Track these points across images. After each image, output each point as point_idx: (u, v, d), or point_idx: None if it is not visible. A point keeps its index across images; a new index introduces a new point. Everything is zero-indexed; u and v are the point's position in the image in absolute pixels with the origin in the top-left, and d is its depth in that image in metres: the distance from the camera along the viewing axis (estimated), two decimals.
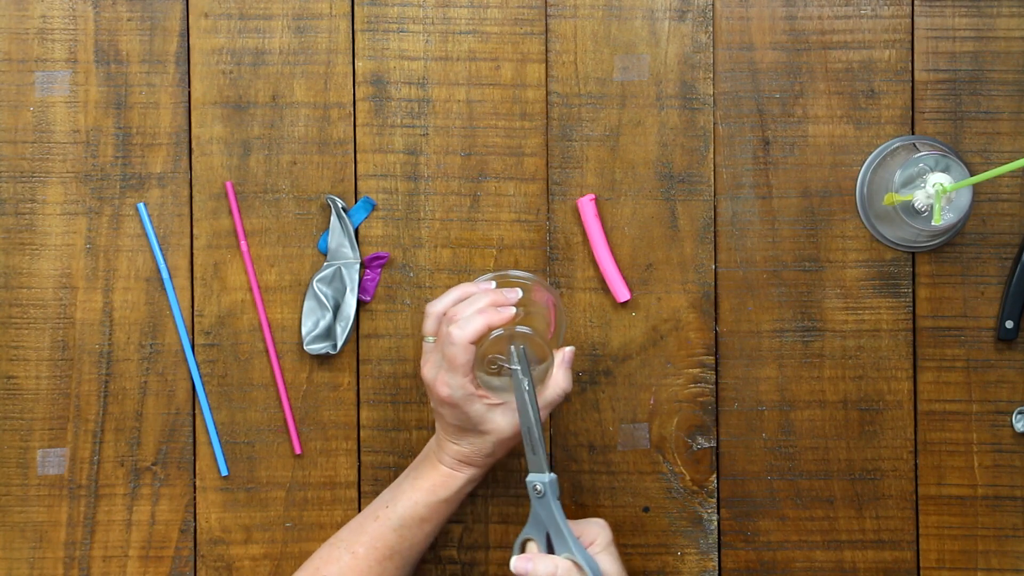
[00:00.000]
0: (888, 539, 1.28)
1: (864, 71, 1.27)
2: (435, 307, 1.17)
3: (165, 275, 1.27)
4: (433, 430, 1.27)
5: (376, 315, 1.28)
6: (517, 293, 1.16)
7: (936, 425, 1.28)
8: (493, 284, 1.18)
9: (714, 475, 1.28)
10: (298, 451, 1.28)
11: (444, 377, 1.14)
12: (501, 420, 1.15)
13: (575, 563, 1.12)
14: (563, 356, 1.17)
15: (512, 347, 1.14)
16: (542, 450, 1.14)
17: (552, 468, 1.28)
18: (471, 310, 1.14)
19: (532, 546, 1.15)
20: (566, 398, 1.18)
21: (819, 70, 1.27)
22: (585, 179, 1.28)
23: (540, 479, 1.14)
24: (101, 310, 1.27)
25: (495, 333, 1.13)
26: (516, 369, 1.13)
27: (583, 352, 1.27)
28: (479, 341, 1.13)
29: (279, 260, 1.28)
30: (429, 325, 1.17)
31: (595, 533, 1.16)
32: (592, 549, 1.15)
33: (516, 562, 1.12)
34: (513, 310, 1.14)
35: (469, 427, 1.15)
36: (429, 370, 1.15)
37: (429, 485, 1.17)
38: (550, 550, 1.14)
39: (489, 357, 1.14)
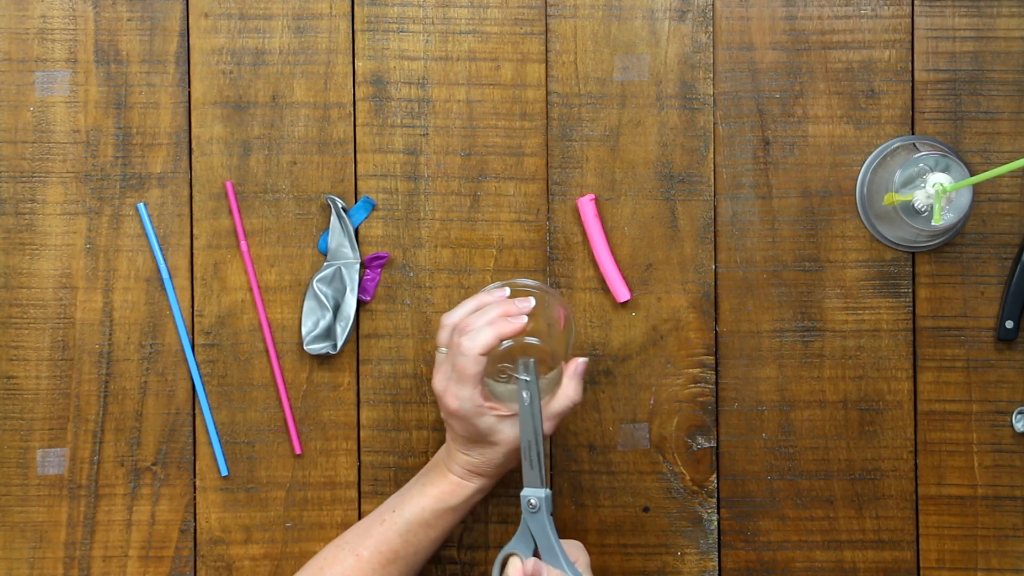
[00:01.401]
0: (888, 539, 1.28)
1: (864, 71, 1.27)
2: (450, 318, 1.16)
3: (165, 275, 1.27)
4: (434, 430, 1.27)
5: (376, 315, 1.28)
6: (530, 303, 1.15)
7: (936, 425, 1.28)
8: (507, 292, 1.17)
9: (714, 475, 1.28)
10: (298, 451, 1.28)
11: (454, 389, 1.13)
12: (511, 432, 1.15)
13: None
14: (575, 367, 1.17)
15: (520, 360, 1.14)
16: (540, 465, 1.14)
17: (551, 471, 1.28)
18: (482, 321, 1.13)
19: (515, 561, 1.13)
20: (575, 408, 1.18)
21: (819, 70, 1.27)
22: (585, 179, 1.28)
23: (536, 494, 1.14)
24: (101, 310, 1.27)
25: (505, 344, 1.13)
26: (524, 380, 1.13)
27: (583, 352, 1.27)
28: (489, 352, 1.12)
29: (279, 260, 1.28)
30: (443, 336, 1.16)
31: (576, 555, 1.15)
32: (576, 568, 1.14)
33: (530, 567, 1.12)
34: (524, 320, 1.14)
35: (478, 438, 1.15)
36: (439, 381, 1.15)
37: (437, 492, 1.17)
38: None
39: (499, 366, 1.14)
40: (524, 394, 1.13)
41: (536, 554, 1.14)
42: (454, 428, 1.16)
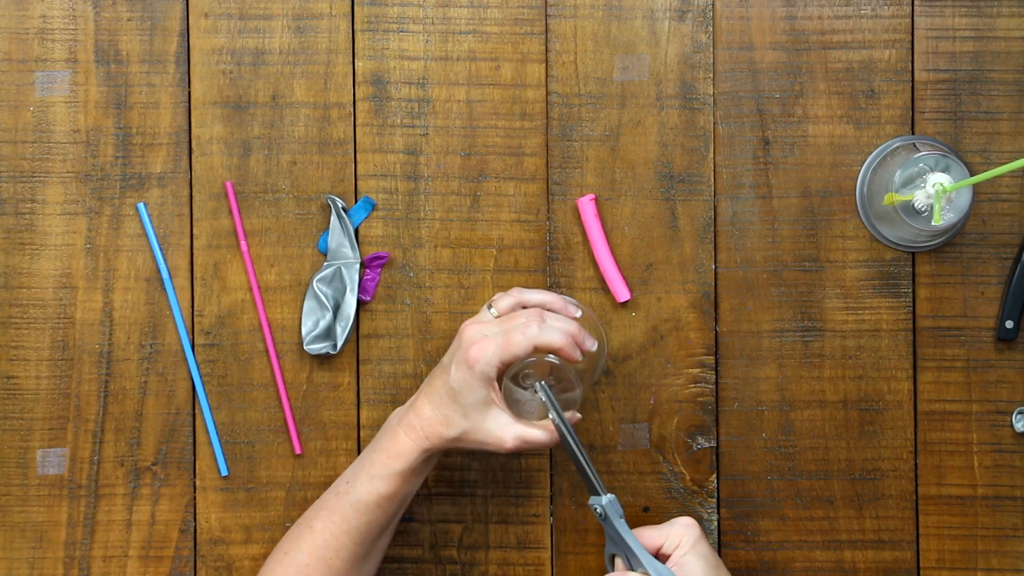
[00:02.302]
0: (888, 539, 1.28)
1: (864, 71, 1.27)
2: (525, 295, 1.18)
3: (165, 275, 1.27)
4: None
5: (376, 315, 1.28)
6: (593, 345, 1.17)
7: (936, 425, 1.28)
8: (580, 313, 1.19)
9: (714, 475, 1.28)
10: (298, 451, 1.28)
11: (487, 345, 1.13)
12: (486, 421, 1.14)
13: None
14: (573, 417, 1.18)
15: (539, 382, 1.16)
16: (590, 474, 1.14)
17: (551, 471, 1.28)
18: (560, 323, 1.15)
19: (619, 562, 1.14)
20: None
21: (819, 70, 1.27)
22: (585, 179, 1.28)
23: (599, 501, 1.14)
24: (101, 310, 1.27)
25: (552, 357, 1.14)
26: (549, 401, 1.15)
27: (584, 353, 1.27)
28: (541, 351, 1.13)
29: (279, 260, 1.28)
30: (506, 302, 1.17)
31: (679, 535, 1.14)
32: (678, 553, 1.13)
33: None
34: (580, 356, 1.16)
35: (459, 401, 1.14)
36: (476, 330, 1.15)
37: (384, 457, 1.16)
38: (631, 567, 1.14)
39: (524, 372, 1.15)
40: (552, 415, 1.15)
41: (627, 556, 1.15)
42: (448, 376, 1.14)
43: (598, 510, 1.14)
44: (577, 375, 1.16)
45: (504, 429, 1.14)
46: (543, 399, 1.15)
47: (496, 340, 1.13)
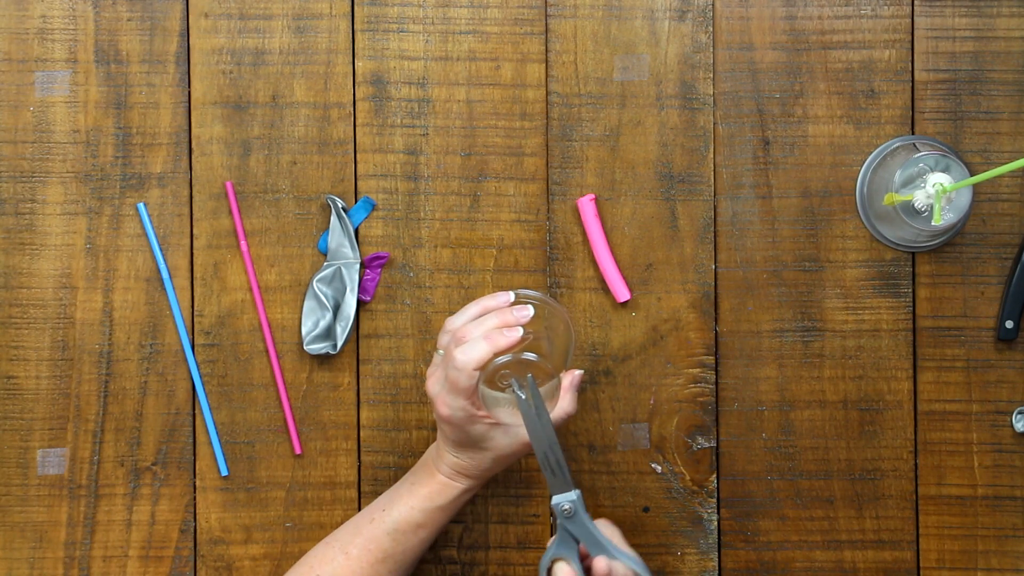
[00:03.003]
0: (888, 539, 1.28)
1: (864, 71, 1.27)
2: (453, 323, 1.14)
3: (165, 275, 1.27)
4: (435, 430, 1.27)
5: (376, 315, 1.28)
6: (527, 311, 1.13)
7: (936, 425, 1.28)
8: (511, 297, 1.15)
9: (714, 475, 1.28)
10: (298, 451, 1.28)
11: (446, 397, 1.12)
12: (502, 439, 1.15)
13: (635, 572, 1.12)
14: (571, 379, 1.16)
15: (515, 378, 1.12)
16: (563, 469, 1.13)
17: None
18: (478, 332, 1.11)
19: (562, 566, 1.12)
20: (570, 419, 1.17)
21: (819, 70, 1.27)
22: (585, 179, 1.28)
23: (567, 499, 1.13)
24: (101, 310, 1.27)
25: (502, 359, 1.10)
26: (522, 398, 1.11)
27: (583, 352, 1.27)
28: (484, 366, 1.11)
29: (279, 260, 1.28)
30: (443, 340, 1.14)
31: (611, 533, 1.15)
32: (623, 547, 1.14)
33: (604, 566, 1.12)
34: (519, 332, 1.12)
35: (469, 444, 1.15)
36: (433, 384, 1.14)
37: (426, 492, 1.17)
38: (586, 567, 1.13)
39: (499, 374, 1.13)
40: (528, 408, 1.11)
41: (582, 553, 1.14)
42: (445, 432, 1.15)
43: (567, 508, 1.13)
44: (532, 356, 1.11)
45: (521, 431, 1.14)
46: (519, 397, 1.13)
47: (446, 388, 1.13)
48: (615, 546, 1.13)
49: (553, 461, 1.12)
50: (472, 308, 1.15)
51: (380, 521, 1.17)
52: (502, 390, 1.14)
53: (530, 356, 1.11)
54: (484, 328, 1.12)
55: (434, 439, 1.27)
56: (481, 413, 1.13)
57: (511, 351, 1.11)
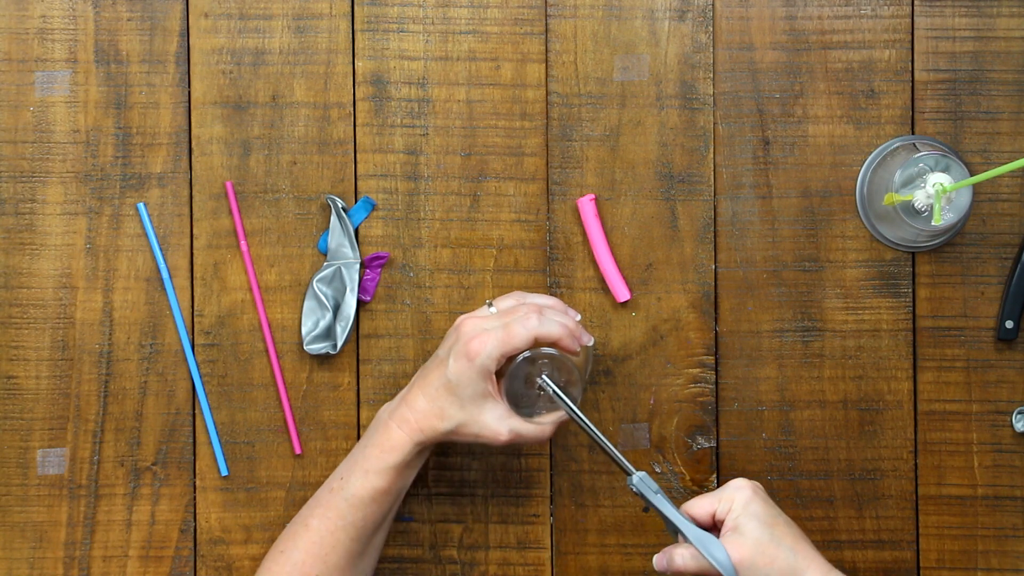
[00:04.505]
0: (888, 539, 1.28)
1: (864, 71, 1.27)
2: (528, 296, 1.19)
3: (165, 275, 1.27)
4: None
5: (376, 315, 1.28)
6: (591, 340, 1.18)
7: (936, 425, 1.28)
8: (579, 317, 1.20)
9: (714, 475, 1.28)
10: (298, 451, 1.28)
11: (487, 338, 1.13)
12: (482, 414, 1.15)
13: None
14: (558, 417, 1.18)
15: (547, 377, 1.16)
16: (616, 456, 1.15)
17: (551, 471, 1.28)
18: (557, 317, 1.16)
19: (680, 539, 1.13)
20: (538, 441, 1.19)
21: (819, 70, 1.27)
22: (585, 179, 1.28)
23: (630, 482, 1.14)
24: (101, 310, 1.27)
25: (560, 354, 1.15)
26: (565, 402, 1.16)
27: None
28: (541, 343, 1.14)
29: (279, 260, 1.28)
30: (507, 304, 1.18)
31: (729, 499, 1.12)
32: (730, 517, 1.11)
33: (656, 558, 1.13)
34: (590, 341, 1.18)
35: (456, 394, 1.14)
36: (476, 323, 1.15)
37: (377, 452, 1.17)
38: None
39: (524, 366, 1.15)
40: (566, 406, 1.16)
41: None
42: (445, 370, 1.15)
43: (633, 490, 1.14)
44: (577, 369, 1.16)
45: (500, 422, 1.15)
46: (551, 391, 1.16)
47: (496, 333, 1.14)
48: (685, 524, 1.11)
49: (610, 452, 1.15)
50: (549, 299, 1.20)
51: (338, 490, 1.17)
52: (523, 385, 1.17)
53: (575, 367, 1.16)
54: (559, 320, 1.16)
55: None
56: (492, 383, 1.14)
57: (568, 352, 1.16)
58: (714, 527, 1.13)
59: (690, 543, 1.11)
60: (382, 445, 1.17)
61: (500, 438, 1.15)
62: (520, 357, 1.15)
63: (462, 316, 1.18)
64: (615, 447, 1.17)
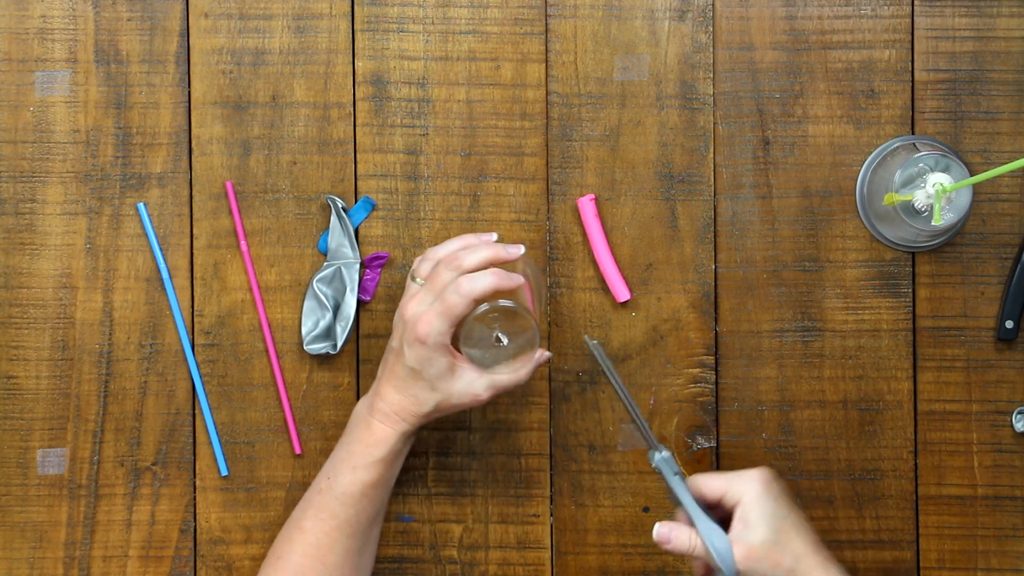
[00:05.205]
0: (888, 539, 1.28)
1: (864, 71, 1.27)
2: (437, 252, 1.16)
3: (165, 275, 1.27)
4: (434, 430, 1.27)
5: (376, 315, 1.28)
6: (520, 249, 1.16)
7: (936, 425, 1.28)
8: (495, 236, 1.18)
9: None
10: (298, 451, 1.28)
11: (431, 318, 1.12)
12: (454, 384, 1.15)
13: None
14: (539, 357, 1.17)
15: (595, 349, 1.16)
16: (647, 428, 1.14)
17: (551, 470, 1.28)
18: (474, 259, 1.13)
19: (680, 513, 1.12)
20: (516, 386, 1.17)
21: (819, 70, 1.27)
22: (585, 179, 1.28)
23: (651, 457, 1.14)
24: (101, 310, 1.27)
25: (503, 302, 1.13)
26: (613, 376, 1.15)
27: (583, 352, 1.27)
28: (482, 299, 1.12)
29: (279, 260, 1.28)
30: (424, 268, 1.16)
31: (740, 491, 1.11)
32: (739, 510, 1.10)
33: (658, 528, 1.11)
34: (521, 278, 1.14)
35: (423, 377, 1.14)
36: (413, 306, 1.14)
37: (363, 448, 1.17)
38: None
39: (488, 317, 1.14)
40: (619, 383, 1.16)
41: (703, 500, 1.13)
42: (404, 359, 1.14)
43: (653, 465, 1.14)
44: (524, 309, 1.14)
45: (474, 384, 1.15)
46: (605, 370, 1.16)
47: (436, 308, 1.13)
48: (698, 513, 1.11)
49: (634, 417, 1.15)
50: (455, 242, 1.17)
51: (328, 489, 1.17)
52: (474, 347, 1.15)
53: (521, 308, 1.13)
54: (479, 258, 1.13)
55: (434, 438, 1.27)
56: (454, 353, 1.13)
57: (509, 296, 1.13)
58: (718, 506, 1.12)
59: (695, 529, 1.10)
60: (366, 440, 1.17)
61: (481, 398, 1.15)
62: (468, 320, 1.13)
63: (401, 301, 1.17)
64: (645, 418, 1.16)
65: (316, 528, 1.17)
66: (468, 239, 1.18)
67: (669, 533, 1.11)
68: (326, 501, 1.17)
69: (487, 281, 1.12)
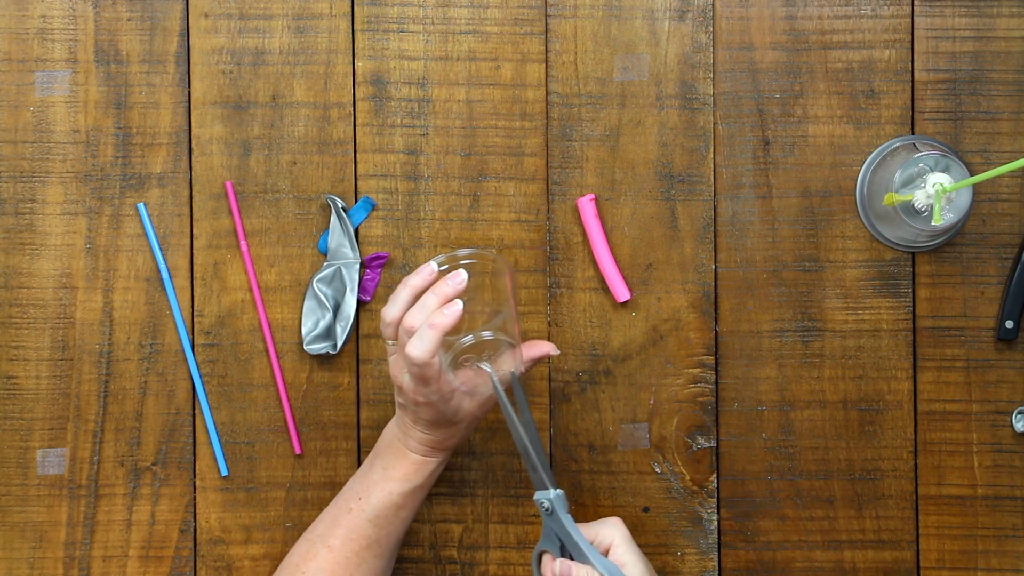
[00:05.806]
0: (888, 539, 1.28)
1: (864, 71, 1.27)
2: (389, 315, 1.14)
3: (165, 275, 1.27)
4: None
5: (376, 315, 1.28)
6: (461, 277, 1.12)
7: (936, 425, 1.28)
8: (434, 268, 1.13)
9: (714, 475, 1.28)
10: (298, 451, 1.28)
11: (417, 387, 1.13)
12: (470, 406, 1.16)
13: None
14: (540, 350, 1.17)
15: (489, 369, 1.13)
16: (542, 467, 1.14)
17: (553, 470, 1.28)
18: (421, 318, 1.11)
19: (547, 558, 1.15)
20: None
21: (819, 70, 1.27)
22: (585, 179, 1.28)
23: (547, 496, 1.14)
24: (101, 310, 1.27)
25: (465, 340, 1.11)
26: (502, 396, 1.14)
27: (583, 352, 1.27)
28: (437, 350, 1.11)
29: (279, 260, 1.28)
30: (387, 332, 1.15)
31: (611, 535, 1.15)
32: (614, 552, 1.14)
33: (559, 565, 1.12)
34: (459, 306, 1.10)
35: (443, 421, 1.15)
36: (392, 365, 1.15)
37: (402, 474, 1.17)
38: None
39: (461, 358, 1.14)
40: (507, 406, 1.14)
41: (564, 552, 1.14)
42: (419, 414, 1.15)
43: (545, 505, 1.14)
44: (496, 331, 1.13)
45: (481, 399, 1.16)
46: (499, 393, 1.14)
47: (399, 364, 1.14)
48: (592, 550, 1.13)
49: (532, 457, 1.14)
50: (402, 293, 1.13)
51: (359, 510, 1.17)
52: (466, 366, 1.14)
53: (486, 335, 1.12)
54: (426, 311, 1.11)
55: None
56: (456, 384, 1.13)
57: (473, 330, 1.11)
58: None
59: (589, 564, 1.12)
60: (405, 468, 1.17)
61: (492, 400, 1.16)
62: (444, 368, 1.12)
63: (390, 367, 1.16)
64: (544, 458, 1.15)
65: (346, 548, 1.17)
66: (412, 283, 1.13)
67: (570, 570, 1.12)
68: (357, 522, 1.17)
69: (429, 338, 1.09)
